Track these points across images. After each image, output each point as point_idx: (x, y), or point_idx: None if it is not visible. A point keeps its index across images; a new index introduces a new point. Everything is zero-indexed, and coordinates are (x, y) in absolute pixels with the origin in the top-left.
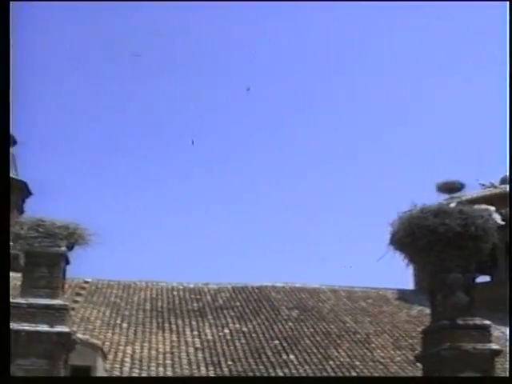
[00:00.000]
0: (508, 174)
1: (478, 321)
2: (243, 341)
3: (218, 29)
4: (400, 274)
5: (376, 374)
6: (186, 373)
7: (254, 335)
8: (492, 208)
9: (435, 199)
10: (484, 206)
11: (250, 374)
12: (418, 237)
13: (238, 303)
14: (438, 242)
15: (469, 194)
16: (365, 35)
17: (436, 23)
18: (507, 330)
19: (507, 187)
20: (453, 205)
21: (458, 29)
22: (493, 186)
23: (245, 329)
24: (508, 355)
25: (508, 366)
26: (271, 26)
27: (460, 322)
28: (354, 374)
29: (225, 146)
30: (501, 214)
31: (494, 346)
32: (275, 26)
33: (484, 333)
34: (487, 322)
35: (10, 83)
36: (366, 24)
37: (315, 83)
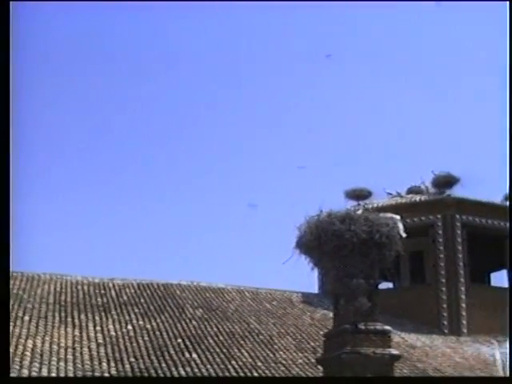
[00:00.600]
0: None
1: (379, 326)
2: (146, 338)
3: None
4: (305, 277)
5: (277, 376)
6: (87, 368)
7: (157, 333)
8: (397, 217)
9: (343, 205)
10: (389, 215)
11: (152, 371)
12: (324, 241)
13: (142, 300)
14: (343, 247)
15: (376, 202)
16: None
17: (434, 23)
18: (408, 336)
19: (413, 197)
20: (359, 212)
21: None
22: (399, 195)
23: (148, 326)
24: (508, 355)
25: (508, 366)
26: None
27: (361, 326)
28: (256, 374)
29: (118, 142)
30: (405, 223)
31: (394, 352)
32: None
33: (384, 338)
34: (388, 328)
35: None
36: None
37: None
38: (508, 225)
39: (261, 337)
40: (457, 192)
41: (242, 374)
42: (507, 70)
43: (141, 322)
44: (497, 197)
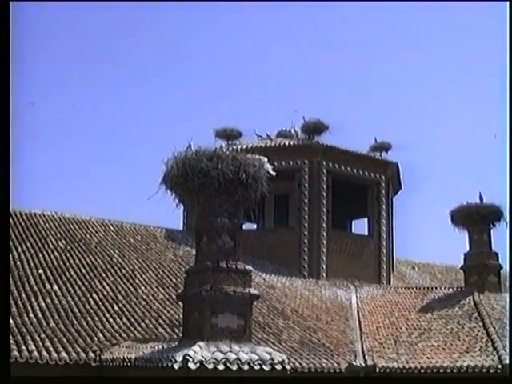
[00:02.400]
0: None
1: (240, 265)
2: None
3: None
4: (170, 213)
5: (138, 310)
6: None
7: (18, 263)
8: (264, 159)
9: (212, 144)
10: (257, 156)
11: (12, 302)
12: (191, 178)
13: None
14: (209, 185)
15: (245, 143)
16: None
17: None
18: (268, 277)
19: (282, 141)
20: (228, 151)
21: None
22: (269, 138)
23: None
24: (508, 355)
25: (508, 366)
26: None
27: (223, 265)
28: (116, 308)
29: None
30: (273, 166)
31: (253, 291)
32: None
33: (245, 277)
34: (249, 268)
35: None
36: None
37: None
38: (373, 175)
39: (123, 271)
40: (325, 139)
41: (102, 307)
42: (507, 70)
43: None
44: (363, 147)
